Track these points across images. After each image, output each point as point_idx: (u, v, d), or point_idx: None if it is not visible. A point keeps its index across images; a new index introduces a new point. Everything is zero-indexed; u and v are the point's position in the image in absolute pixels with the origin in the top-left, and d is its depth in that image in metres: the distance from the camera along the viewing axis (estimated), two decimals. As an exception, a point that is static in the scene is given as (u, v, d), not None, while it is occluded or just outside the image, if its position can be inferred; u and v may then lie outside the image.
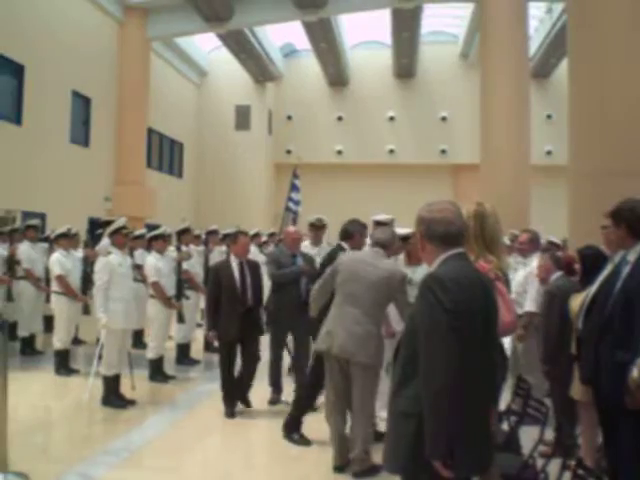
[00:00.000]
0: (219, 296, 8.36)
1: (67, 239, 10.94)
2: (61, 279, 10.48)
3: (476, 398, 3.29)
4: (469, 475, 3.44)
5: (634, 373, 4.04)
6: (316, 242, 10.16)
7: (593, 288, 5.33)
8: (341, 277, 6.25)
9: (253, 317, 8.46)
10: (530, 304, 7.85)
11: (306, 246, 9.94)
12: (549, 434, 5.34)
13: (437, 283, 3.27)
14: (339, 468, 6.30)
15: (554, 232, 13.93)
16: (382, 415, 6.60)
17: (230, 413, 8.19)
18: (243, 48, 26.51)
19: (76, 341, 12.11)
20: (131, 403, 8.66)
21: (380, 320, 6.28)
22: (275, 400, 8.75)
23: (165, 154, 27.91)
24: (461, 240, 3.52)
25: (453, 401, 3.12)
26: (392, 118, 30.50)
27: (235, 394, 8.38)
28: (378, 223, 8.30)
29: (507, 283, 4.64)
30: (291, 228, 9.69)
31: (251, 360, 8.43)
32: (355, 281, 6.15)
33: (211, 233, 13.96)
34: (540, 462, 4.75)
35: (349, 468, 6.20)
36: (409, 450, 3.26)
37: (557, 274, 7.06)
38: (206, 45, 29.87)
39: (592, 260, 5.86)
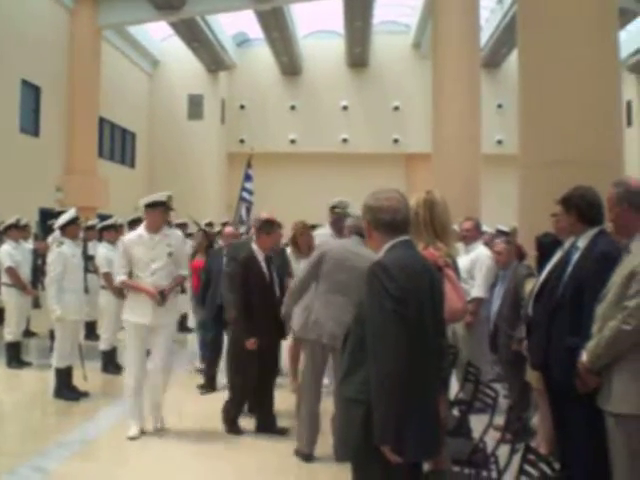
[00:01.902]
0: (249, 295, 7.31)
1: (17, 230, 10.80)
2: (11, 271, 10.36)
3: (423, 384, 3.34)
4: (418, 459, 3.49)
5: (583, 357, 4.12)
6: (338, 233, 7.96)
7: (543, 274, 5.43)
8: (328, 266, 6.22)
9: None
10: (478, 290, 7.97)
11: (324, 235, 8.61)
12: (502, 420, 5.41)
13: (383, 270, 3.32)
14: (309, 457, 6.35)
15: (504, 220, 14.11)
16: None
17: (237, 429, 7.36)
18: (195, 37, 26.33)
19: (27, 333, 11.96)
20: (84, 395, 8.61)
21: None
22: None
23: (117, 144, 27.64)
24: (407, 228, 3.59)
25: (400, 387, 3.17)
26: (345, 107, 30.56)
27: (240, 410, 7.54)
28: (334, 208, 8.33)
29: (456, 270, 4.70)
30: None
31: (273, 368, 7.69)
32: (343, 270, 6.14)
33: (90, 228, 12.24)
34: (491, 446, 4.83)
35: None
36: (358, 436, 3.29)
37: (516, 262, 7.20)
38: (158, 34, 29.59)
39: (549, 247, 5.95)
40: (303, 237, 8.41)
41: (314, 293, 6.44)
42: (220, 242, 10.76)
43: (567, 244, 5.16)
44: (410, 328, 3.23)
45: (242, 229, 13.24)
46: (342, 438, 3.43)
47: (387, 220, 3.52)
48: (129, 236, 7.46)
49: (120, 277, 7.25)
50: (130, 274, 7.26)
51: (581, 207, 4.79)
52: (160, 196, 7.23)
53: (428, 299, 3.40)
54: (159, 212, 7.18)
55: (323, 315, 6.19)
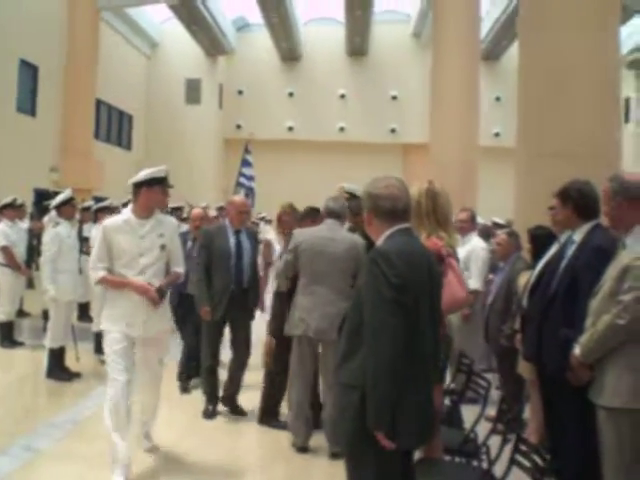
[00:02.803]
0: (210, 267, 7.25)
1: (13, 209, 10.78)
2: (6, 250, 10.34)
3: (419, 371, 3.36)
4: (412, 447, 3.51)
5: (576, 350, 4.15)
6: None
7: (538, 267, 5.46)
8: (304, 257, 6.13)
9: (246, 298, 7.32)
10: (474, 282, 8.00)
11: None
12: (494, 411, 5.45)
13: (383, 257, 3.32)
14: (302, 449, 6.31)
15: (500, 213, 14.15)
16: None
17: (212, 412, 7.27)
18: (195, 20, 26.25)
19: (21, 313, 11.96)
20: (76, 376, 8.61)
21: (350, 294, 5.95)
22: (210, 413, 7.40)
23: (113, 126, 27.58)
24: (407, 216, 3.58)
25: (396, 374, 3.19)
26: (343, 96, 30.53)
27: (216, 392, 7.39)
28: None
29: (457, 260, 4.73)
30: (237, 197, 7.99)
31: (245, 350, 7.42)
32: (320, 259, 6.07)
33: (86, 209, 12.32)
34: (482, 437, 4.86)
35: (331, 448, 6.14)
36: (353, 421, 3.32)
37: (516, 254, 7.21)
38: (157, 16, 29.48)
39: (543, 240, 5.97)
40: (287, 216, 8.10)
41: (297, 287, 6.33)
42: (185, 226, 9.95)
43: (563, 237, 5.19)
44: (408, 316, 3.24)
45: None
46: (337, 423, 3.46)
47: (388, 207, 3.51)
48: (112, 220, 5.69)
49: (98, 273, 5.55)
50: (108, 271, 5.63)
51: (577, 200, 4.81)
52: (159, 171, 5.64)
53: (426, 287, 3.42)
54: (157, 191, 5.59)
55: (307, 309, 6.11)
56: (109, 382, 5.44)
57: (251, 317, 7.47)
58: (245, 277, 7.27)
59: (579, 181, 4.98)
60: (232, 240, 7.26)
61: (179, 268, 5.88)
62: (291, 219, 7.87)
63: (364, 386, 3.24)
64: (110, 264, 5.59)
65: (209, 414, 7.26)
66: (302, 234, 6.61)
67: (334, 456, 6.11)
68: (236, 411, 7.34)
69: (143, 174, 5.60)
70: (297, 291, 6.28)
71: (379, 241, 3.51)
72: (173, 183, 5.83)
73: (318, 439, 6.38)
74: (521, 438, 3.60)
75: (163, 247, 5.66)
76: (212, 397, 7.34)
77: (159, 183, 5.62)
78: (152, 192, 5.58)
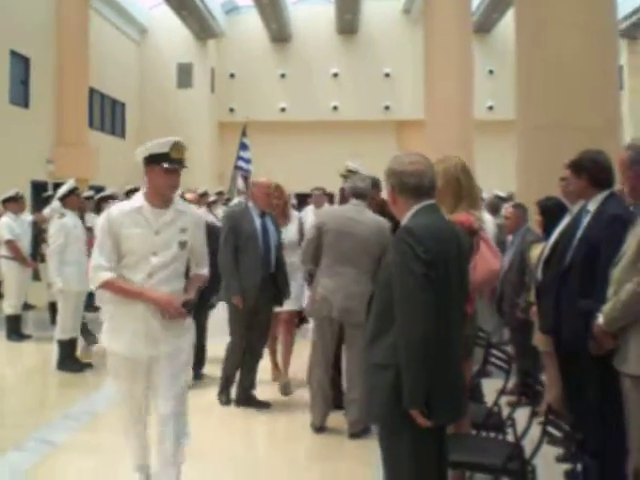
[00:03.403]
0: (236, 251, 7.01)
1: (15, 203, 10.77)
2: (11, 244, 10.33)
3: (450, 348, 3.37)
4: (446, 422, 3.53)
5: (599, 319, 4.15)
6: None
7: (552, 238, 5.47)
8: (329, 238, 6.08)
9: (274, 283, 7.12)
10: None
11: None
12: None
13: (411, 235, 3.31)
14: (320, 429, 6.32)
15: (498, 186, 14.15)
16: None
17: (227, 400, 7.22)
18: (184, 4, 26.03)
19: (25, 306, 11.96)
20: (87, 366, 8.63)
21: (374, 277, 5.95)
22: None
23: (107, 114, 27.42)
24: (433, 192, 3.56)
25: (430, 351, 3.19)
26: (336, 75, 30.38)
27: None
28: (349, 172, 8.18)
29: None
30: (263, 179, 7.39)
31: (262, 337, 7.34)
32: (346, 240, 6.01)
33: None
34: (505, 411, 4.89)
35: (351, 429, 6.22)
36: (386, 400, 3.32)
37: (525, 226, 7.22)
38: (146, 1, 29.25)
39: (554, 211, 5.97)
40: (275, 198, 7.89)
41: (319, 268, 6.28)
42: None
43: (576, 208, 5.20)
44: (438, 291, 3.24)
45: (238, 199, 13.20)
46: (370, 402, 3.45)
47: (413, 184, 3.47)
48: (119, 208, 4.59)
49: (100, 275, 4.43)
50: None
51: (592, 171, 4.81)
52: (158, 145, 4.47)
53: (455, 263, 3.41)
54: (158, 173, 4.45)
55: (331, 290, 6.06)
56: (120, 415, 4.81)
57: (278, 303, 7.27)
58: (272, 261, 7.10)
59: (592, 151, 4.98)
60: (258, 222, 7.07)
61: (203, 270, 4.80)
62: (280, 200, 7.81)
63: (396, 365, 3.24)
64: (115, 262, 4.46)
65: (225, 400, 7.21)
66: (327, 213, 6.57)
67: (353, 436, 6.15)
68: (258, 404, 7.14)
69: (141, 149, 4.49)
70: (319, 272, 6.24)
71: (404, 219, 3.49)
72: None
73: (337, 419, 6.42)
74: (552, 409, 3.62)
75: (183, 245, 4.50)
76: (229, 382, 7.25)
77: (160, 161, 4.38)
78: (153, 173, 4.44)
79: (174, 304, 4.39)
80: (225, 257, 6.98)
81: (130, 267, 4.44)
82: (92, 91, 24.42)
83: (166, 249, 4.45)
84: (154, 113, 29.32)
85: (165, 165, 4.38)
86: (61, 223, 8.49)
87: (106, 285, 4.43)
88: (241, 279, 6.93)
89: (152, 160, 4.42)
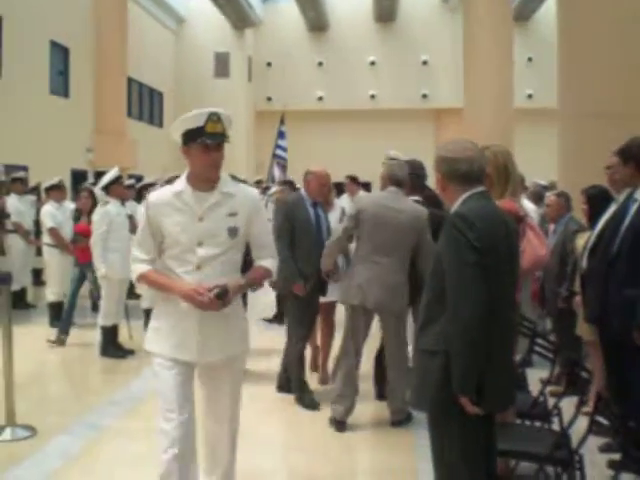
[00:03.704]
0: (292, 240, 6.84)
1: (58, 191, 10.88)
2: (54, 232, 10.44)
3: (501, 335, 3.36)
4: (496, 411, 3.52)
5: (647, 309, 4.12)
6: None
7: (598, 227, 5.41)
8: (366, 226, 5.94)
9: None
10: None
11: None
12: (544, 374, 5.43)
13: (462, 221, 3.29)
14: (341, 425, 6.13)
15: (538, 175, 14.02)
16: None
17: (313, 403, 6.81)
18: (221, -7, 26.13)
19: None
20: (130, 353, 8.72)
21: (408, 267, 6.02)
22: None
23: (145, 103, 27.61)
24: (483, 178, 3.54)
25: (481, 338, 3.18)
26: (373, 63, 30.29)
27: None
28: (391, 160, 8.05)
29: None
30: (318, 167, 7.07)
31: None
32: (384, 229, 5.87)
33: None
34: (550, 401, 4.86)
35: (392, 417, 6.22)
36: (437, 387, 3.32)
37: (568, 215, 7.15)
38: (183, -9, 29.40)
39: (599, 199, 5.90)
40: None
41: (354, 255, 6.21)
42: None
43: (622, 196, 5.15)
44: (491, 279, 3.23)
45: (274, 188, 13.23)
46: (419, 388, 3.46)
47: (464, 170, 3.45)
48: (159, 194, 4.02)
49: (138, 267, 3.96)
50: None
51: (640, 158, 4.77)
52: (193, 118, 3.85)
53: (506, 250, 3.40)
54: (196, 151, 3.84)
55: (367, 279, 5.91)
56: (158, 429, 3.86)
57: (322, 293, 7.05)
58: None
59: (639, 138, 4.93)
60: (312, 212, 6.93)
61: (267, 261, 4.05)
62: (325, 188, 7.72)
63: (445, 351, 3.24)
64: (157, 254, 3.97)
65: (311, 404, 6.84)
66: (364, 200, 6.48)
67: (395, 424, 6.15)
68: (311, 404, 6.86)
69: (175, 125, 3.91)
70: (355, 259, 6.17)
71: (455, 205, 3.47)
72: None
73: (382, 408, 6.43)
74: (601, 397, 3.59)
75: (234, 232, 3.85)
76: (304, 385, 6.98)
77: (195, 137, 3.78)
78: (190, 152, 3.85)
79: (200, 294, 3.66)
80: (282, 246, 6.56)
81: (176, 259, 3.86)
82: (130, 81, 24.59)
83: (213, 237, 3.82)
84: (191, 102, 29.23)
85: (201, 141, 3.76)
86: (104, 211, 8.57)
87: (141, 278, 3.94)
88: (299, 268, 6.78)
89: (188, 137, 3.82)
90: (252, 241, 4.02)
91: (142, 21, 26.23)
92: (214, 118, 3.81)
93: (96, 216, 8.64)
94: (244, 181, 13.19)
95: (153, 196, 3.98)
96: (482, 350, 3.18)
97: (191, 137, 3.79)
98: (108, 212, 8.56)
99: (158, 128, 28.45)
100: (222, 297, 3.69)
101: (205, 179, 3.85)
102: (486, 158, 3.79)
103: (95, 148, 21.53)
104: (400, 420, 6.18)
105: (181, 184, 3.89)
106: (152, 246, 3.91)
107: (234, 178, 4.15)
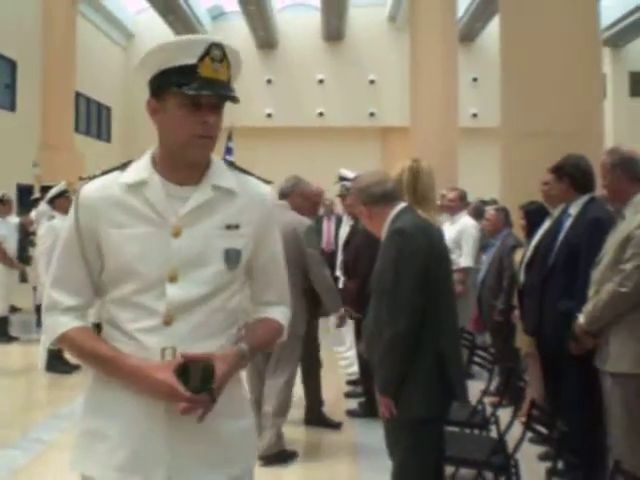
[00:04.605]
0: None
1: (2, 205, 10.80)
2: (-3, 246, 10.36)
3: (439, 340, 3.49)
4: (422, 415, 3.58)
5: (580, 319, 4.28)
6: None
7: (534, 241, 5.60)
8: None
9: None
10: (465, 260, 8.16)
11: None
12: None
13: (400, 234, 3.45)
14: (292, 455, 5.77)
15: (481, 193, 14.29)
16: None
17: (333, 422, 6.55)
18: (170, 9, 26.08)
19: (12, 309, 11.97)
20: (76, 368, 8.66)
21: (300, 283, 5.67)
22: None
23: (92, 118, 27.44)
24: (400, 195, 3.77)
25: (409, 347, 3.35)
26: (321, 81, 30.49)
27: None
28: (342, 179, 8.07)
29: None
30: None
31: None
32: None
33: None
34: (489, 410, 5.00)
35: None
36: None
37: (506, 230, 7.32)
38: (133, 6, 29.28)
39: (536, 215, 6.09)
40: None
41: None
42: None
43: (557, 211, 5.34)
44: (433, 286, 3.38)
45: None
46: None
47: (381, 191, 3.69)
48: (100, 185, 2.24)
49: (59, 322, 2.23)
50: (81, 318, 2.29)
51: (575, 175, 4.96)
52: (210, 45, 2.19)
53: (444, 257, 3.55)
54: (216, 109, 2.22)
55: None
56: None
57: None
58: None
59: (574, 156, 5.13)
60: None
61: (278, 311, 2.44)
62: None
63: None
64: (91, 295, 2.31)
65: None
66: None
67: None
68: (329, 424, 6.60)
69: (144, 59, 2.31)
70: None
71: (386, 225, 3.63)
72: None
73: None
74: (535, 404, 3.73)
75: (234, 257, 2.25)
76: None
77: (179, 83, 2.17)
78: (165, 112, 2.26)
79: (180, 394, 2.06)
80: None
81: (127, 304, 2.18)
82: (78, 95, 24.43)
83: (197, 267, 2.18)
84: (140, 117, 29.14)
85: (190, 90, 2.12)
86: (50, 225, 8.54)
87: (64, 342, 2.25)
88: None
89: (164, 82, 2.21)
90: (255, 274, 2.37)
91: (91, 36, 26.11)
92: (216, 53, 2.18)
93: (41, 230, 8.62)
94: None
95: (89, 189, 2.22)
96: (408, 358, 3.36)
97: (171, 82, 2.16)
98: (54, 227, 8.52)
99: (106, 143, 28.29)
100: (210, 387, 2.06)
101: (187, 162, 2.20)
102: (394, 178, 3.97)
103: (41, 163, 21.27)
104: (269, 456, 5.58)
105: (141, 170, 2.23)
106: (82, 281, 2.24)
107: (233, 165, 2.46)
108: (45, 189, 9.73)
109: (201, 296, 2.17)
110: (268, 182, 2.48)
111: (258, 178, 2.47)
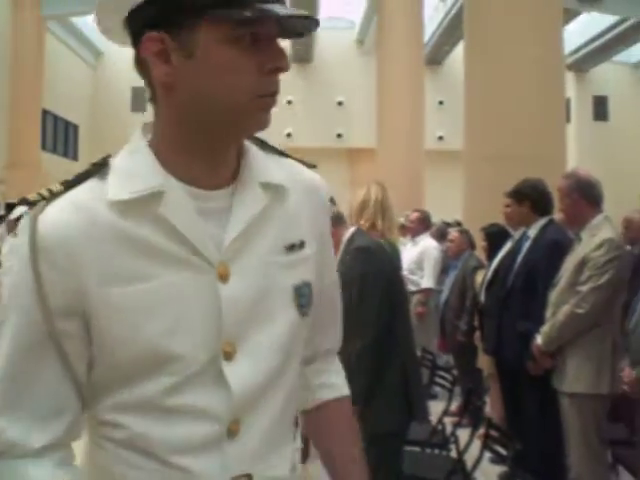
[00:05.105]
0: None
1: (-34, 222, 10.72)
2: (-39, 263, 10.26)
3: (398, 357, 3.56)
4: (384, 429, 3.65)
5: (538, 340, 4.36)
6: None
7: (494, 263, 5.69)
8: None
9: None
10: (427, 281, 8.23)
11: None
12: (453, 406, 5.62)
13: (365, 252, 3.51)
14: None
15: (446, 215, 14.43)
16: None
17: None
18: (139, 29, 26.10)
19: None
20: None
21: None
22: None
23: (59, 136, 27.29)
24: (345, 219, 3.88)
25: (374, 358, 3.40)
26: (290, 102, 30.57)
27: None
28: None
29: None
30: None
31: None
32: None
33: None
34: (449, 429, 5.06)
35: None
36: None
37: (468, 251, 7.41)
38: (101, 25, 29.23)
39: (497, 237, 6.18)
40: None
41: None
42: None
43: (517, 234, 5.43)
44: (393, 303, 3.45)
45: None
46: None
47: (335, 213, 3.74)
48: (68, 209, 1.23)
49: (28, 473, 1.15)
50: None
51: (534, 198, 5.05)
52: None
53: (399, 277, 3.63)
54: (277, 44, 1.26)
55: None
56: None
57: None
58: None
59: (532, 179, 5.23)
60: None
61: (342, 374, 1.64)
62: None
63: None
64: (77, 413, 1.23)
65: None
66: None
67: None
68: None
69: None
70: None
71: (343, 244, 3.69)
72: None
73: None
74: (492, 424, 3.79)
75: (305, 294, 1.34)
76: None
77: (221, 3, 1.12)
78: (197, 54, 1.19)
79: None
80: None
81: (150, 411, 1.21)
82: (45, 113, 24.31)
83: (262, 323, 1.28)
84: (107, 136, 29.12)
85: (247, 11, 1.14)
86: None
87: None
88: None
89: (184, 2, 1.15)
90: (314, 310, 1.39)
91: (59, 53, 26.00)
92: None
93: (5, 248, 8.56)
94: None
95: (53, 219, 1.25)
96: (374, 370, 3.40)
97: (205, 4, 1.14)
98: (18, 244, 8.49)
99: (72, 161, 28.13)
100: None
101: (225, 144, 1.32)
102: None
103: (7, 180, 21.12)
104: None
105: (144, 173, 1.25)
106: (60, 393, 1.21)
107: (264, 144, 1.54)
108: (10, 207, 9.66)
109: (272, 373, 1.27)
110: (313, 166, 1.59)
111: (301, 162, 1.58)
